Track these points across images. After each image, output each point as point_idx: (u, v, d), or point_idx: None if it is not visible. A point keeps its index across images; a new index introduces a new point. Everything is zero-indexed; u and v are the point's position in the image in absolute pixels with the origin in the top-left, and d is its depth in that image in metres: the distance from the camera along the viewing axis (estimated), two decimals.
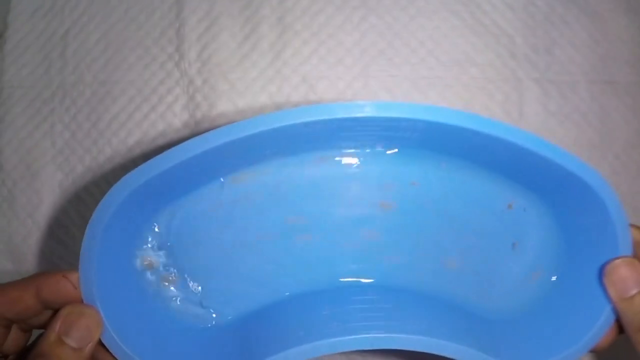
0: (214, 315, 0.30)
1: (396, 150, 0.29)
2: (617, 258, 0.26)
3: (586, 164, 0.25)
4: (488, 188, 0.29)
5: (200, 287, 0.30)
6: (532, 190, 0.29)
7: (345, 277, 0.30)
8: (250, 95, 0.40)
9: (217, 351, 0.28)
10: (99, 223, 0.24)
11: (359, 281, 0.30)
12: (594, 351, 0.27)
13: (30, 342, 0.27)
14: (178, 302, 0.29)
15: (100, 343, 0.25)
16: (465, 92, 0.39)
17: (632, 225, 0.26)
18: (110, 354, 0.25)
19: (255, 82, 0.39)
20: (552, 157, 0.25)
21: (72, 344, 0.23)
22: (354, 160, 0.30)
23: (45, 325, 0.26)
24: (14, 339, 0.26)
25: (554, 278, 0.29)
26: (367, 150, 0.29)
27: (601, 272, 0.26)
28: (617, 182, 0.38)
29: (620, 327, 0.26)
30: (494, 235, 0.30)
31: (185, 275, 0.30)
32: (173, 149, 0.24)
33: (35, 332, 0.27)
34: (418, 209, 0.30)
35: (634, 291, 0.25)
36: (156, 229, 0.29)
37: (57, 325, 0.23)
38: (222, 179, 0.29)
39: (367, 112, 0.24)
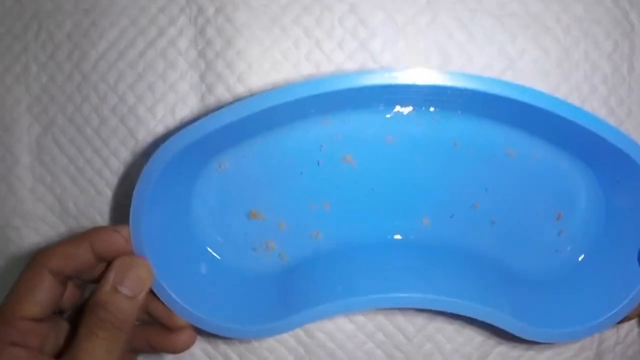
0: (263, 265, 0.30)
1: (436, 109, 0.29)
2: None
3: (631, 137, 0.25)
4: (535, 153, 0.29)
5: (252, 235, 0.30)
6: (582, 160, 0.29)
7: (384, 235, 0.31)
8: (279, 29, 0.30)
9: (261, 300, 0.29)
10: (148, 180, 0.25)
11: (398, 238, 0.30)
12: (622, 322, 0.27)
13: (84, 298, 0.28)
14: (228, 251, 0.30)
15: (153, 292, 0.27)
16: (565, 36, 0.31)
17: None
18: (162, 302, 0.27)
19: (286, 11, 0.30)
20: (599, 131, 0.25)
21: (126, 292, 0.25)
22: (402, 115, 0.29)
23: (98, 280, 0.26)
24: (70, 295, 0.27)
25: (590, 248, 0.30)
26: (411, 109, 0.29)
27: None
28: None
29: None
30: (539, 202, 0.30)
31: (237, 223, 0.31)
32: (232, 106, 0.24)
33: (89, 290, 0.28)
34: (461, 167, 0.30)
35: None
36: (209, 177, 0.30)
37: (112, 276, 0.25)
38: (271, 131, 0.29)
39: (413, 80, 0.24)
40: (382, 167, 0.29)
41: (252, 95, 0.24)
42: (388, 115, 0.28)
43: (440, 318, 0.32)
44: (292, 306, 0.28)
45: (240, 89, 0.30)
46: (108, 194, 0.33)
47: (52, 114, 0.32)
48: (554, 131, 0.27)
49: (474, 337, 0.33)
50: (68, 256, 0.26)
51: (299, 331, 0.33)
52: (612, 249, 0.29)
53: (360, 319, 0.33)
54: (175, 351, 0.28)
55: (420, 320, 0.32)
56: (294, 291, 0.29)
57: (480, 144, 0.29)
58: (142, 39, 0.31)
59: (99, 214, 0.33)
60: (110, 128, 0.32)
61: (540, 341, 0.28)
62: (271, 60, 0.30)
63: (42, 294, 0.25)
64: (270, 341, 0.33)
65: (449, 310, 0.27)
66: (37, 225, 0.33)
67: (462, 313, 0.27)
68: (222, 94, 0.31)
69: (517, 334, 0.27)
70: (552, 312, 0.29)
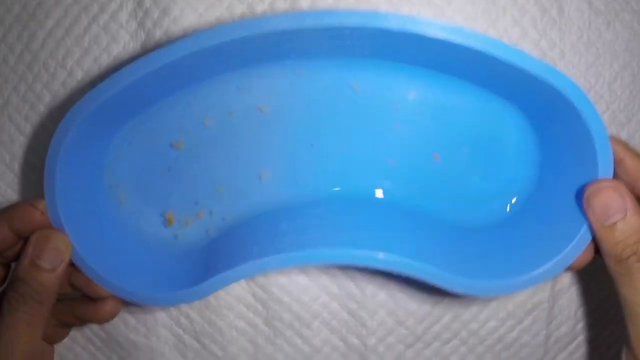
0: (188, 232, 0.30)
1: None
2: (600, 181, 0.24)
3: (557, 69, 0.23)
4: (460, 100, 0.28)
5: (170, 204, 0.30)
6: (512, 101, 0.28)
7: (314, 193, 0.30)
8: None
9: (184, 269, 0.29)
10: (58, 149, 0.25)
11: (324, 193, 0.30)
12: (571, 270, 0.27)
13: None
14: (147, 222, 0.30)
15: (74, 265, 0.27)
16: None
17: (614, 140, 0.25)
18: (84, 275, 0.27)
19: None
20: (519, 63, 0.23)
21: (45, 265, 0.25)
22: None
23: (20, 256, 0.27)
24: None
25: (529, 194, 0.29)
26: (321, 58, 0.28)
27: (580, 192, 0.25)
28: None
29: (597, 247, 0.26)
30: (471, 150, 0.29)
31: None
32: (145, 57, 0.24)
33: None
34: (386, 120, 0.29)
35: (615, 218, 0.24)
36: (123, 145, 0.29)
37: (30, 250, 0.26)
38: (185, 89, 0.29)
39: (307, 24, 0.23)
40: (305, 124, 0.29)
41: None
42: (299, 67, 0.28)
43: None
44: (212, 271, 0.27)
45: None
46: None
47: (6, 94, 0.34)
48: (478, 73, 0.26)
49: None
50: None
51: (255, 288, 0.34)
52: (550, 195, 0.28)
53: (313, 271, 0.33)
54: (100, 321, 0.28)
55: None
56: (217, 256, 0.28)
57: (402, 93, 0.28)
58: (85, 15, 0.32)
59: None
60: (61, 102, 0.33)
61: (482, 295, 0.27)
62: (206, 26, 0.31)
63: None
64: (229, 299, 0.34)
65: (375, 266, 0.26)
66: None
67: (391, 269, 0.26)
68: None
69: (454, 289, 0.26)
70: (494, 262, 0.27)
